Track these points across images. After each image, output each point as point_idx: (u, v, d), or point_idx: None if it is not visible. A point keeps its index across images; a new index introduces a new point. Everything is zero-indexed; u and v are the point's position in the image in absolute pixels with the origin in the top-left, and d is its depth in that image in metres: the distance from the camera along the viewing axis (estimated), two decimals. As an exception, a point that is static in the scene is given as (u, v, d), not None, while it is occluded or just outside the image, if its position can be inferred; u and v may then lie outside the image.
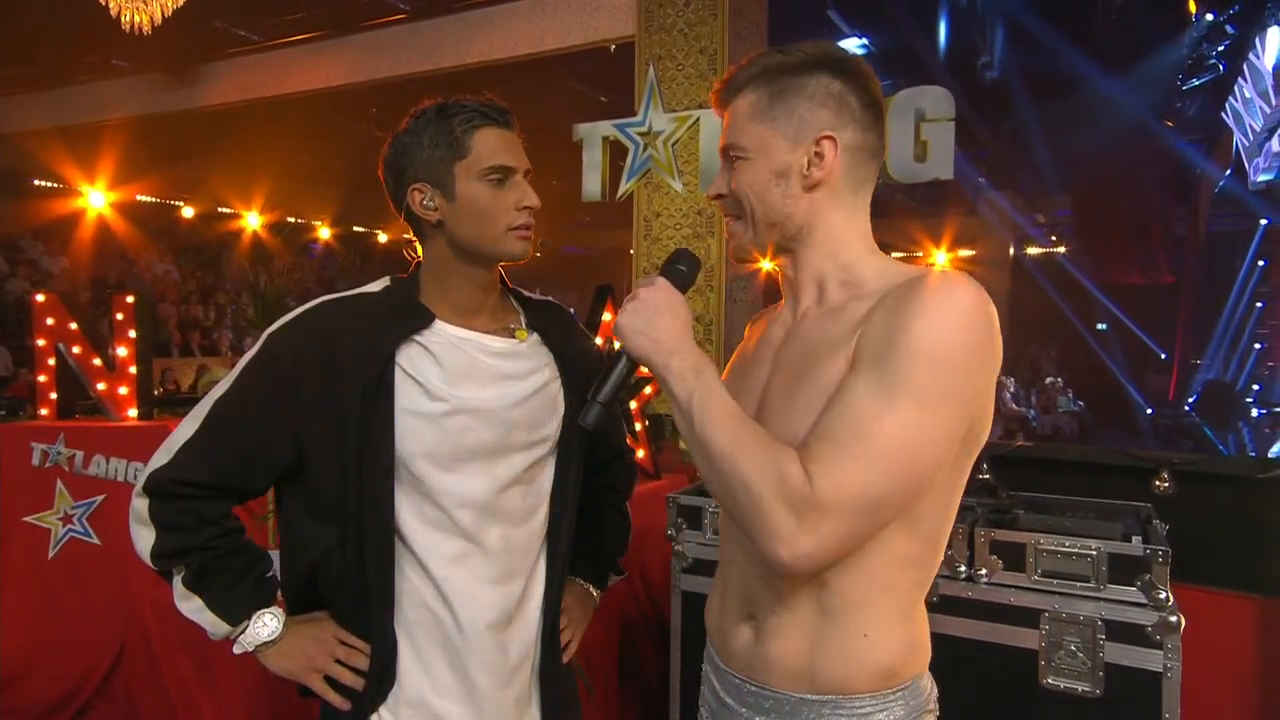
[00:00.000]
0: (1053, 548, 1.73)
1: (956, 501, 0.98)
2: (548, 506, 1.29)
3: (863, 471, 0.85)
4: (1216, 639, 1.89)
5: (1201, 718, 1.74)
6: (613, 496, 1.51)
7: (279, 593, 1.24)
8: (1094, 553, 1.69)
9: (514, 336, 1.27)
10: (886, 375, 0.87)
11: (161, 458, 1.17)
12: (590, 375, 1.34)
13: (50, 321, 2.96)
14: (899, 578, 0.96)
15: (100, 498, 2.80)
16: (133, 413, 2.95)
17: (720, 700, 1.09)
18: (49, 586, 2.82)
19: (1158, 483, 2.17)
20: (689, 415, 0.92)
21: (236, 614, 1.17)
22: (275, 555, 2.34)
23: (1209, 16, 6.88)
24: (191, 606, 1.16)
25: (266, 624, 1.18)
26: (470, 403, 1.19)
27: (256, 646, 1.18)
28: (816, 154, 0.99)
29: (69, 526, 2.80)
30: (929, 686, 1.03)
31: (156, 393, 3.73)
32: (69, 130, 8.25)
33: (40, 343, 2.97)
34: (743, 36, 4.78)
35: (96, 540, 2.79)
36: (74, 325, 2.96)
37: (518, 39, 5.77)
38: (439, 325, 1.21)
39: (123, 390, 2.95)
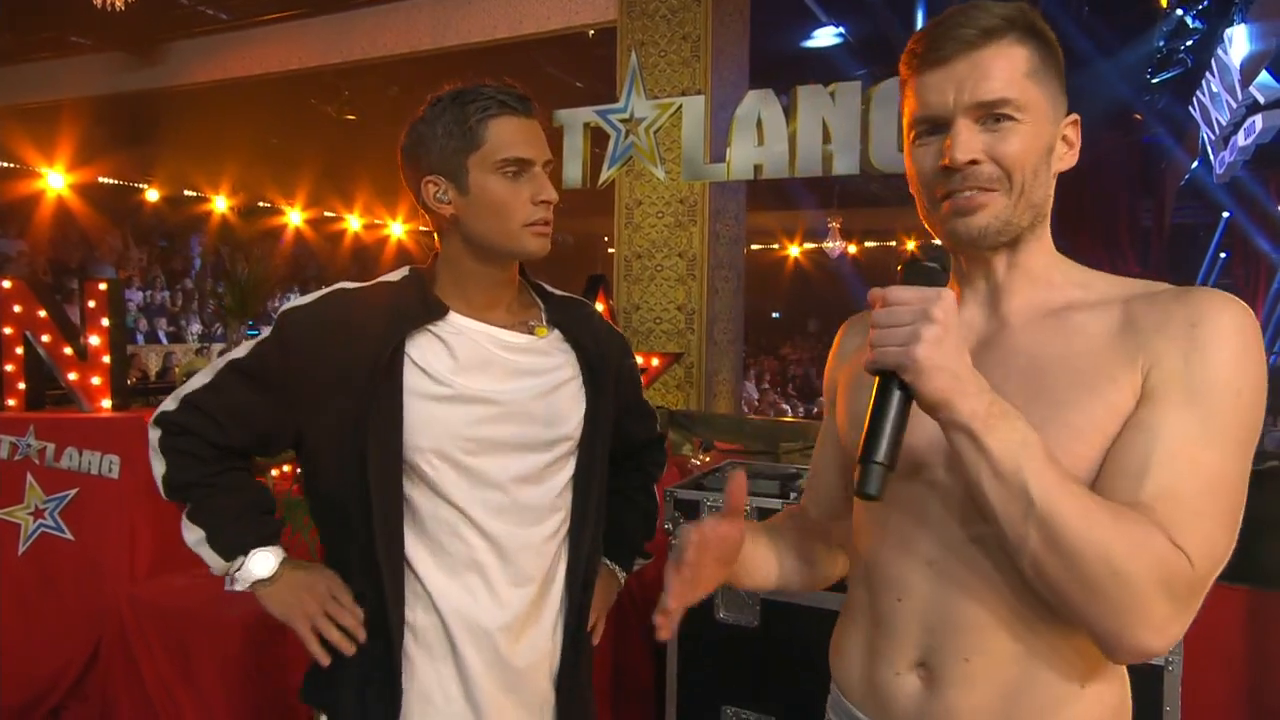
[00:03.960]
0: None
1: None
2: (568, 509, 1.25)
3: (1221, 535, 0.76)
4: (1207, 630, 1.91)
5: (1192, 708, 1.76)
6: (642, 479, 1.48)
7: (280, 534, 1.25)
8: (1097, 547, 1.69)
9: (532, 333, 1.23)
10: (1217, 419, 0.76)
11: (170, 404, 1.20)
12: (618, 372, 1.31)
13: (17, 309, 2.85)
14: None
15: (73, 491, 2.71)
16: (107, 403, 2.85)
17: None
18: (19, 583, 2.73)
19: (1150, 476, 2.19)
20: (1017, 482, 0.73)
21: (232, 549, 1.18)
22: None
23: (1178, 12, 6.98)
24: (194, 539, 1.18)
25: (262, 561, 1.18)
26: (481, 393, 1.15)
27: (252, 584, 1.18)
28: (1064, 139, 0.88)
29: (40, 521, 2.71)
30: None
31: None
32: (26, 109, 8.00)
33: (7, 331, 2.86)
34: (726, 23, 4.75)
35: (70, 536, 2.71)
36: (43, 313, 2.86)
37: (497, 23, 5.69)
38: (454, 317, 1.17)
39: (96, 380, 2.85)
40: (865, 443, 0.76)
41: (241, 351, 1.18)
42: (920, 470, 0.88)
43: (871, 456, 0.75)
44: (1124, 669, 0.89)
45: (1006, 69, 0.83)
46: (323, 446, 1.16)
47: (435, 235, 1.22)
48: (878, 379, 0.77)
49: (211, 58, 6.83)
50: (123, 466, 2.69)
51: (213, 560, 1.18)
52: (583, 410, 1.25)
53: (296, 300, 1.19)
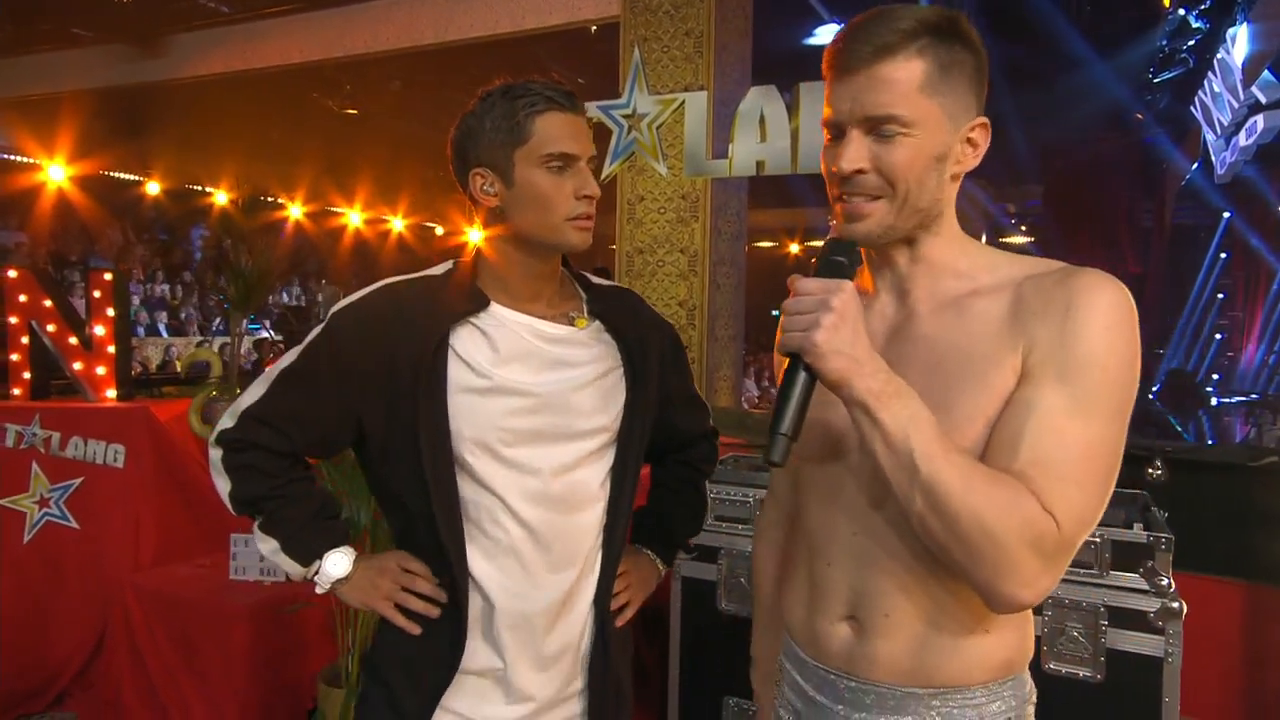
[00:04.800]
0: (1056, 534, 1.75)
1: None
2: (606, 499, 1.26)
3: (1088, 499, 0.84)
4: (1206, 623, 1.93)
5: (1191, 699, 1.78)
6: (691, 474, 1.49)
7: (349, 534, 1.29)
8: (1097, 540, 1.71)
9: (573, 324, 1.25)
10: (1081, 391, 0.84)
11: (227, 421, 1.22)
12: (663, 362, 1.33)
13: (23, 298, 2.87)
14: None
15: (78, 480, 2.73)
16: (111, 393, 2.87)
17: (809, 698, 1.04)
18: (24, 571, 2.75)
19: (1150, 470, 2.21)
20: (905, 450, 0.82)
21: (308, 556, 1.23)
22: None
23: (1180, 11, 6.99)
24: (269, 549, 1.23)
25: (337, 563, 1.23)
26: (519, 385, 1.18)
27: (332, 584, 1.23)
28: (969, 141, 0.93)
29: (45, 510, 2.73)
30: (1029, 678, 1.02)
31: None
32: (27, 101, 7.99)
33: (13, 320, 2.88)
34: (729, 19, 4.74)
35: (75, 524, 2.72)
36: (49, 302, 2.87)
37: (499, 17, 5.68)
38: (495, 309, 1.20)
39: (101, 370, 2.87)
40: (774, 416, 0.87)
41: (292, 357, 1.21)
42: (839, 455, 0.99)
43: (777, 428, 0.85)
44: (1027, 619, 0.99)
45: (899, 84, 0.89)
46: (380, 442, 1.19)
47: (481, 227, 1.25)
48: (787, 360, 0.87)
49: (213, 51, 6.82)
50: (128, 456, 2.71)
51: (291, 567, 1.23)
52: (623, 400, 1.26)
53: (346, 299, 1.23)
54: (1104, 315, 0.85)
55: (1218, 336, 11.45)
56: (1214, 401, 10.41)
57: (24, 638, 2.72)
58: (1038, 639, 1.73)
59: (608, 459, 1.26)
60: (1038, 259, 0.95)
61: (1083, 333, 0.84)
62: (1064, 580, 1.73)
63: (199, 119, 8.37)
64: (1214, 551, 2.06)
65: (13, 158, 9.71)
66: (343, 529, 1.28)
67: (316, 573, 1.23)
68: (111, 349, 2.88)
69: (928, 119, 0.89)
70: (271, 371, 1.22)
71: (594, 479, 1.25)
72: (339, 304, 1.22)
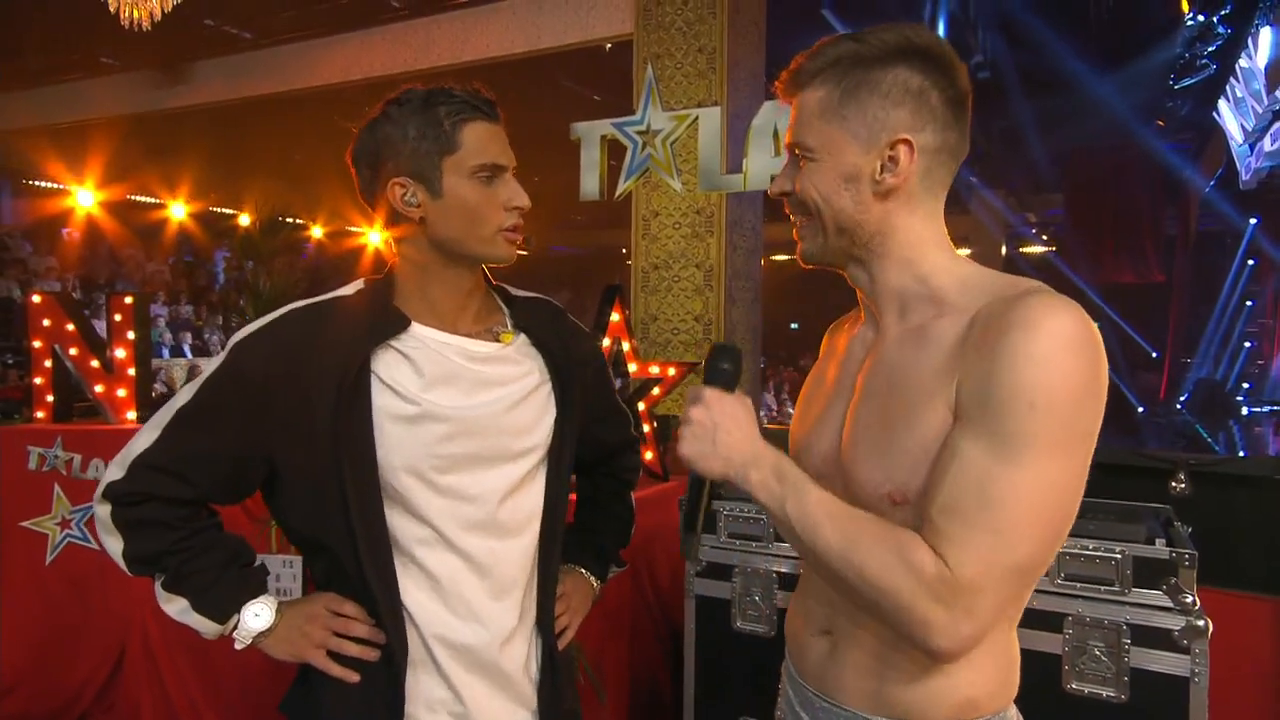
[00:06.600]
0: (1075, 551, 1.71)
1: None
2: (540, 520, 1.22)
3: (1002, 544, 0.81)
4: (1235, 641, 1.88)
5: (1221, 720, 1.73)
6: (617, 486, 1.46)
7: (265, 581, 1.20)
8: (1118, 556, 1.68)
9: (498, 340, 1.19)
10: (1003, 432, 0.81)
11: (115, 472, 1.10)
12: (585, 375, 1.29)
13: (47, 322, 2.91)
14: None
15: (99, 502, 2.75)
16: (132, 415, 2.90)
17: (795, 712, 1.07)
18: (47, 592, 2.77)
19: (1174, 484, 2.16)
20: (787, 524, 0.89)
21: (224, 611, 1.13)
22: (274, 559, 2.28)
23: (1200, 17, 6.91)
24: (177, 609, 1.13)
25: (258, 614, 1.14)
26: (447, 410, 1.11)
27: (254, 638, 1.14)
28: (890, 159, 0.91)
29: (67, 531, 2.75)
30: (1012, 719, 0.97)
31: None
32: (57, 128, 8.17)
33: (36, 344, 2.92)
34: (741, 35, 4.76)
35: (95, 546, 2.74)
36: (71, 326, 2.91)
37: (514, 37, 5.74)
38: (416, 329, 1.13)
39: (121, 392, 2.90)
40: (684, 516, 0.98)
41: (187, 395, 1.11)
42: (816, 478, 1.03)
43: (683, 526, 0.99)
44: (995, 659, 0.93)
45: (803, 114, 0.95)
46: (297, 480, 1.11)
47: (394, 241, 1.18)
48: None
49: (236, 76, 6.95)
50: (147, 477, 2.73)
51: (204, 626, 1.13)
52: (553, 416, 1.22)
53: (247, 328, 1.13)
54: (1037, 347, 0.81)
55: (1247, 344, 11.27)
56: (1244, 411, 10.23)
57: (46, 659, 2.74)
58: (1058, 658, 1.71)
59: (540, 478, 1.21)
60: (1015, 279, 0.91)
61: (1008, 368, 0.81)
62: (1084, 598, 1.71)
63: (223, 143, 8.52)
64: (1243, 567, 2.01)
65: (43, 184, 9.92)
66: (260, 576, 1.18)
67: (235, 628, 1.13)
68: (132, 371, 2.91)
69: (828, 143, 0.93)
70: (163, 414, 1.12)
71: (529, 500, 1.20)
72: (240, 334, 1.12)
